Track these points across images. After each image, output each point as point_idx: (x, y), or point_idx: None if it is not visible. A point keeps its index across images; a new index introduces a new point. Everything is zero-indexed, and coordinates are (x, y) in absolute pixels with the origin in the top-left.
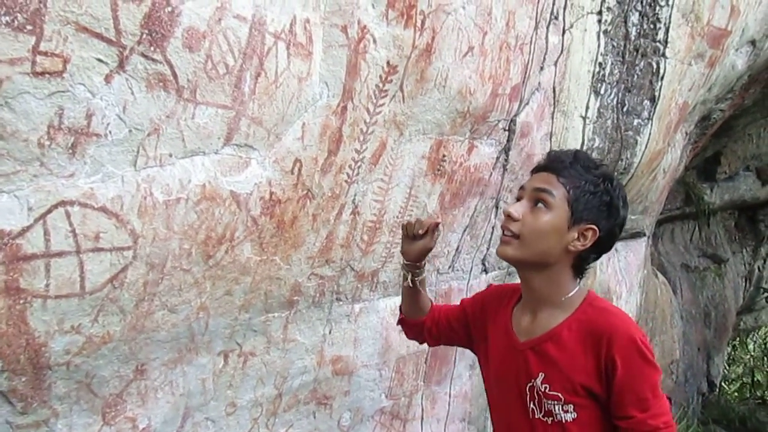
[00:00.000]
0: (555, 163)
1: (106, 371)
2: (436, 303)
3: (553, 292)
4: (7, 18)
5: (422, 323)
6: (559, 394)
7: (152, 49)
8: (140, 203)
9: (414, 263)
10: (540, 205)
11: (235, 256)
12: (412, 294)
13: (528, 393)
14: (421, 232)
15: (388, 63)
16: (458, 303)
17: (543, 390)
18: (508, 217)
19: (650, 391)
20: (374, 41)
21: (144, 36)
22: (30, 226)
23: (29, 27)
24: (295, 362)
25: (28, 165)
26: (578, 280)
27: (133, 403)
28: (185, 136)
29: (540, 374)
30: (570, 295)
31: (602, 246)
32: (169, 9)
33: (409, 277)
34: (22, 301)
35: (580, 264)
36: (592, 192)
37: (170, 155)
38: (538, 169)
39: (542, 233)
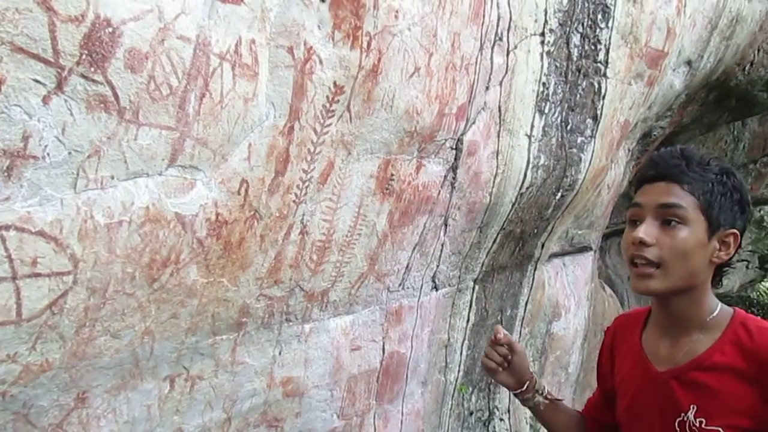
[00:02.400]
0: (670, 170)
1: (45, 401)
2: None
3: (698, 314)
4: None
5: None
6: (720, 429)
7: (92, 69)
8: (81, 227)
9: (522, 385)
10: (673, 222)
11: (180, 279)
12: (551, 418)
13: (678, 430)
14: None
15: (334, 83)
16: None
17: (698, 425)
18: (641, 243)
19: None
20: (321, 62)
21: (84, 57)
22: None
23: None
24: (244, 385)
25: None
26: (714, 296)
27: None
28: (127, 157)
29: (692, 407)
30: (715, 314)
31: (739, 248)
32: (110, 30)
33: (534, 401)
34: None
35: (718, 274)
36: (722, 193)
37: (112, 177)
38: (650, 180)
39: (686, 254)
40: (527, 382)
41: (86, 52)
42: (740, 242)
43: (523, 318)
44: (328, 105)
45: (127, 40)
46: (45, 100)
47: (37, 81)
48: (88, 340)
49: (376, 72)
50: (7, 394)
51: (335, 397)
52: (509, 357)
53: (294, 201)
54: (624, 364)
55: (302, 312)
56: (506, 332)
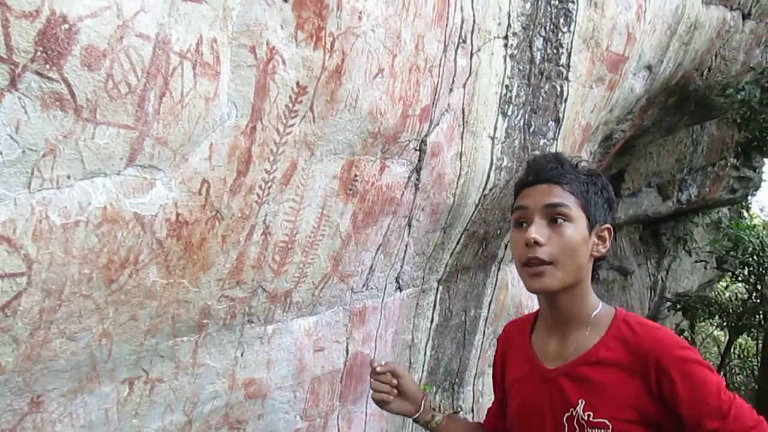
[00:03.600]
0: (549, 173)
1: None
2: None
3: (582, 310)
4: None
5: None
6: (606, 421)
7: (48, 67)
8: (35, 227)
9: (419, 407)
10: (560, 220)
11: (139, 280)
12: None
13: (566, 425)
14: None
15: (297, 84)
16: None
17: (586, 418)
18: (535, 243)
19: (722, 395)
20: (283, 62)
21: (38, 53)
22: None
23: None
24: (205, 387)
25: None
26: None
27: None
28: (84, 156)
29: (580, 401)
30: (598, 310)
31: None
32: (66, 26)
33: (435, 420)
34: None
35: (595, 270)
36: (595, 192)
37: (68, 177)
38: (531, 183)
39: (574, 249)
40: (422, 402)
41: (41, 48)
42: (614, 237)
43: (487, 318)
44: (290, 105)
45: (84, 38)
46: None
47: None
48: (43, 342)
49: (339, 73)
50: None
51: (298, 398)
52: (395, 383)
53: (256, 201)
54: (515, 367)
55: (265, 313)
56: (385, 362)
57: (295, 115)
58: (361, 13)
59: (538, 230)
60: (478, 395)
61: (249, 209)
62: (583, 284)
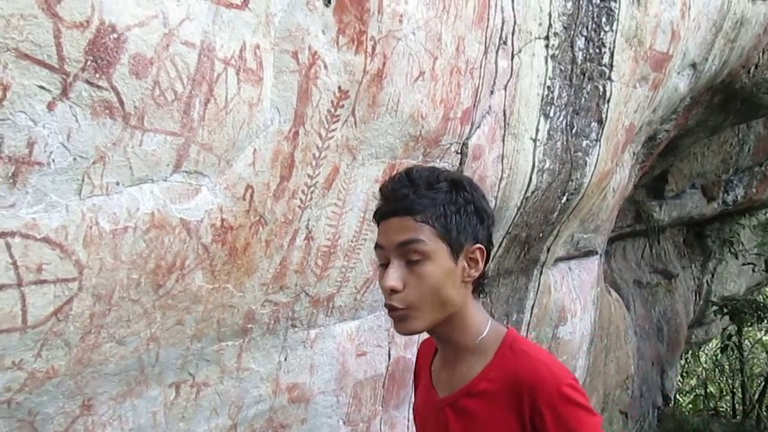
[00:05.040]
0: (400, 203)
1: (51, 408)
2: None
3: (466, 337)
4: None
5: None
6: None
7: (97, 75)
8: (86, 233)
9: None
10: (416, 258)
11: (186, 285)
12: None
13: None
14: None
15: (339, 88)
16: None
17: None
18: (392, 291)
19: None
20: (325, 67)
21: (89, 63)
22: None
23: None
24: (249, 391)
25: None
26: (485, 313)
27: None
28: (132, 163)
29: None
30: (484, 335)
31: (489, 254)
32: (115, 36)
33: None
34: None
35: (478, 285)
36: (455, 212)
37: (117, 183)
38: (383, 216)
39: (435, 288)
40: None
41: (91, 58)
42: (488, 253)
43: (529, 322)
44: (332, 110)
45: (132, 46)
46: (50, 106)
47: (42, 87)
48: (93, 346)
49: (380, 76)
50: (12, 402)
51: (341, 403)
52: None
53: (299, 206)
54: (418, 392)
55: (308, 317)
56: None
57: (337, 119)
58: (401, 16)
59: (393, 275)
60: None
61: (292, 214)
62: (460, 314)
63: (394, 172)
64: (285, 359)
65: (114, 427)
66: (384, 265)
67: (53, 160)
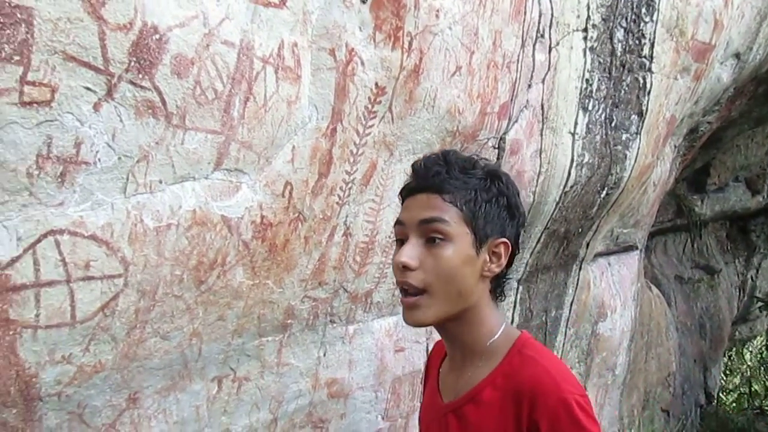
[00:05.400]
0: (430, 180)
1: (99, 401)
2: None
3: (477, 338)
4: None
5: None
6: None
7: (140, 76)
8: (131, 230)
9: None
10: (437, 240)
11: (227, 281)
12: None
13: None
14: None
15: (376, 84)
16: None
17: None
18: (404, 268)
19: None
20: (362, 63)
21: (132, 63)
22: (19, 256)
23: (16, 57)
24: (289, 386)
25: (16, 195)
26: (500, 312)
27: None
28: (175, 162)
29: None
30: (496, 338)
31: (514, 254)
32: (157, 36)
33: None
34: (11, 332)
35: (498, 285)
36: (486, 200)
37: (160, 181)
38: (411, 192)
39: (452, 273)
40: None
41: (134, 59)
42: (513, 250)
43: (568, 318)
44: (370, 106)
45: (174, 47)
46: (96, 107)
47: (88, 88)
48: (138, 341)
49: (417, 72)
50: (62, 395)
51: (380, 398)
52: None
53: (337, 202)
54: (425, 395)
55: (346, 313)
56: None
57: (374, 115)
58: (438, 11)
59: (409, 252)
60: None
61: (330, 210)
62: (474, 310)
63: None
64: (324, 355)
65: (159, 420)
66: (401, 241)
67: (99, 160)
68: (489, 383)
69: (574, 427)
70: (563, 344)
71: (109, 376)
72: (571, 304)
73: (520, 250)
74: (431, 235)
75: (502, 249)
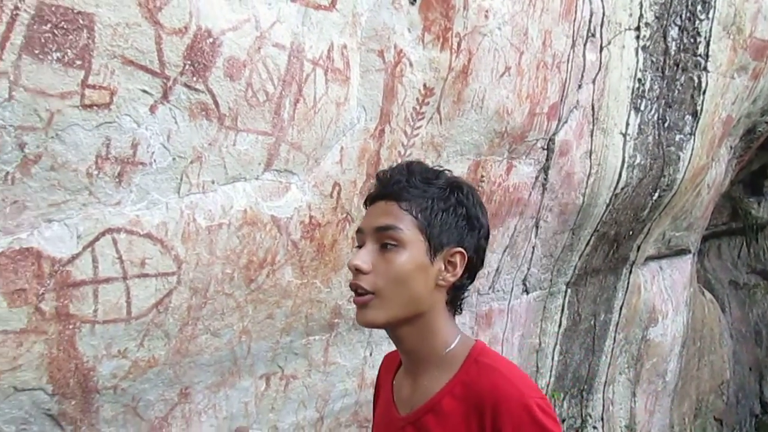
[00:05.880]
0: (389, 187)
1: (152, 395)
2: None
3: (432, 347)
4: (58, 54)
5: None
6: None
7: (194, 79)
8: (184, 229)
9: None
10: (390, 246)
11: (276, 280)
12: None
13: None
14: None
15: (424, 86)
16: None
17: None
18: (357, 271)
19: None
20: (411, 65)
21: (187, 67)
22: (79, 254)
23: (78, 62)
24: (336, 385)
25: (77, 194)
26: (455, 323)
27: (178, 426)
28: (227, 162)
29: None
30: (452, 347)
31: (474, 267)
32: (211, 40)
33: None
34: (71, 327)
35: (456, 298)
36: (443, 209)
37: (212, 182)
38: (372, 200)
39: (402, 278)
40: None
41: (189, 62)
42: (470, 261)
43: (617, 323)
44: (418, 107)
45: (227, 50)
46: (152, 109)
47: (144, 91)
48: (190, 337)
49: (466, 73)
50: (118, 388)
51: None
52: None
53: None
54: (378, 408)
55: None
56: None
57: (422, 116)
58: (487, 11)
59: (363, 256)
60: (608, 404)
61: None
62: (427, 318)
63: (479, 169)
64: (370, 354)
65: (209, 415)
66: (360, 248)
67: (155, 160)
68: (447, 393)
69: (538, 429)
70: (612, 349)
71: (162, 371)
72: (621, 309)
73: (483, 264)
74: (385, 241)
75: (458, 259)
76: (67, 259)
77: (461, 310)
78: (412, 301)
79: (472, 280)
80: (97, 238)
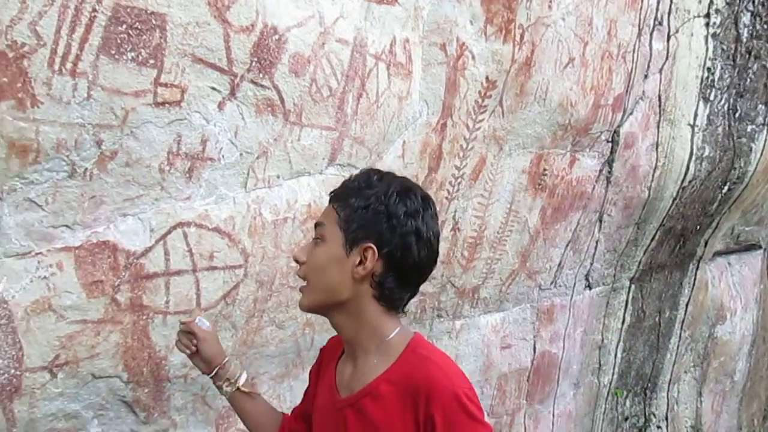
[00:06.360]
0: (335, 192)
1: None
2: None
3: (366, 334)
4: (132, 54)
5: None
6: None
7: (261, 75)
8: (250, 223)
9: (211, 371)
10: (317, 240)
11: None
12: (241, 409)
13: None
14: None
15: (487, 78)
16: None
17: None
18: (296, 261)
19: None
20: (473, 57)
21: (253, 63)
22: (152, 247)
23: (151, 61)
24: None
25: (150, 189)
26: (396, 317)
27: None
28: (292, 157)
29: None
30: (390, 337)
31: (400, 266)
32: (277, 37)
33: (225, 390)
34: (144, 317)
35: (387, 295)
36: (363, 207)
37: (278, 176)
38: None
39: (320, 268)
40: (217, 368)
41: (256, 59)
42: (390, 258)
43: (683, 320)
44: (480, 100)
45: (292, 46)
46: (220, 105)
47: (213, 88)
48: (256, 329)
49: (529, 65)
50: (188, 377)
51: (485, 394)
52: (194, 342)
53: (446, 197)
54: (320, 391)
55: (453, 308)
56: (193, 319)
57: (485, 110)
58: (551, 2)
59: (301, 249)
60: (673, 402)
61: (439, 205)
62: (354, 308)
63: (542, 162)
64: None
65: (274, 405)
66: None
67: (223, 156)
68: (384, 379)
69: (465, 416)
70: (677, 347)
71: (230, 361)
72: (687, 305)
73: (414, 263)
74: (315, 236)
75: (368, 253)
76: (140, 251)
77: (399, 306)
78: (330, 289)
79: (406, 279)
80: (168, 232)
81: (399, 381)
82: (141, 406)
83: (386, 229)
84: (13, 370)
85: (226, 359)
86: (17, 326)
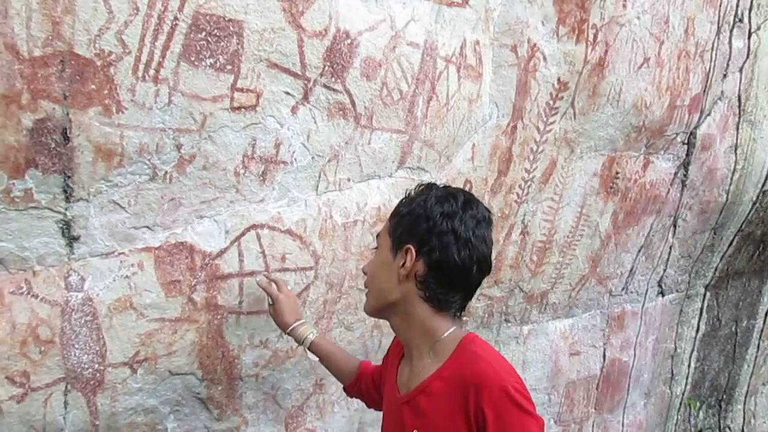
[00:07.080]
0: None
1: (290, 384)
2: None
3: (418, 335)
4: (211, 60)
5: (353, 387)
6: None
7: (333, 79)
8: (321, 226)
9: (289, 326)
10: (375, 249)
11: None
12: (319, 358)
13: None
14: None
15: (558, 80)
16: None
17: None
18: (364, 273)
19: None
20: (544, 59)
21: (326, 68)
22: (227, 248)
23: (229, 67)
24: None
25: (225, 192)
26: (451, 319)
27: (312, 415)
28: (362, 161)
29: (414, 431)
30: (443, 337)
31: (441, 266)
32: (349, 41)
33: (303, 343)
34: (219, 317)
35: (434, 296)
36: (407, 213)
37: (348, 180)
38: None
39: (374, 273)
40: (289, 330)
41: (328, 63)
42: (429, 257)
43: (762, 330)
44: (551, 102)
45: (363, 50)
46: (293, 110)
47: (287, 93)
48: (325, 330)
49: (602, 65)
50: (259, 376)
51: (553, 401)
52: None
53: (516, 201)
54: (386, 388)
55: (521, 313)
56: (270, 279)
57: (556, 112)
58: (626, 0)
59: (368, 261)
60: (750, 416)
61: (508, 209)
62: (404, 309)
63: (614, 165)
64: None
65: (341, 406)
66: None
67: (295, 159)
68: (437, 377)
69: (515, 407)
70: (755, 358)
71: (299, 362)
72: (766, 315)
73: (455, 264)
74: (375, 246)
75: (408, 254)
76: (216, 252)
77: (449, 307)
78: (381, 290)
79: (449, 279)
80: (242, 234)
81: (450, 377)
82: (215, 403)
83: (424, 231)
84: (96, 365)
85: (297, 322)
86: (101, 323)
